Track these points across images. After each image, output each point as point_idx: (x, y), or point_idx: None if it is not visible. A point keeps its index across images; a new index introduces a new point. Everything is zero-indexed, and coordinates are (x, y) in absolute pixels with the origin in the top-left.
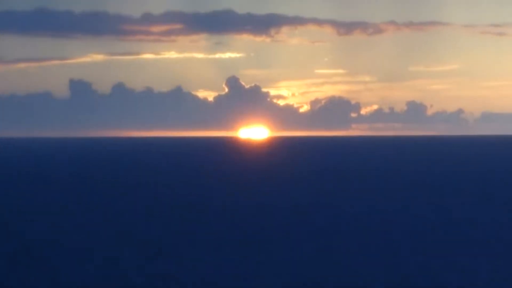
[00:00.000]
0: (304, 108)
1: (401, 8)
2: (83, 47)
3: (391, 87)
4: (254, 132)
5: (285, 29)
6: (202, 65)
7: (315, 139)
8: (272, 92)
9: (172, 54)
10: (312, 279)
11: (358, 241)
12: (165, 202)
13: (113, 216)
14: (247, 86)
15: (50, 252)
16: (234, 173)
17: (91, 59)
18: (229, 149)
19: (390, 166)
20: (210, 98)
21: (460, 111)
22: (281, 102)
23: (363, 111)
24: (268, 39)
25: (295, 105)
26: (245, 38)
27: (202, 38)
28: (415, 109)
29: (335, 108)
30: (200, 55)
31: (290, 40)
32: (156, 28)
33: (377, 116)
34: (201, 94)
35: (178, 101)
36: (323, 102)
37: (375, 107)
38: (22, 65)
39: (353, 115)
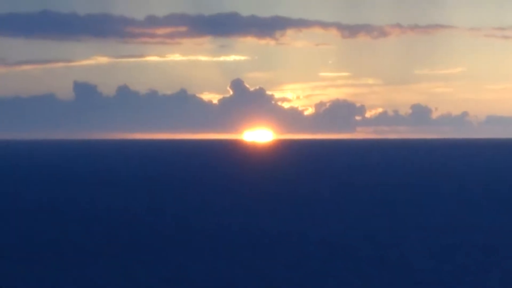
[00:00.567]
0: (309, 111)
1: (406, 11)
2: (88, 50)
3: (396, 90)
4: (259, 134)
5: (289, 32)
6: (206, 67)
7: (320, 142)
8: (277, 94)
9: (177, 57)
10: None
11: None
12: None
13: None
14: (251, 89)
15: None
16: (240, 175)
17: (95, 62)
18: (232, 151)
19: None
20: (215, 101)
21: (465, 114)
22: (285, 105)
23: (367, 114)
24: (272, 42)
25: (300, 108)
26: (250, 41)
27: (206, 41)
28: (420, 112)
29: (339, 111)
30: (204, 58)
31: (294, 42)
32: (160, 31)
33: (382, 119)
34: (206, 96)
35: (183, 103)
36: (327, 105)
37: (379, 110)
38: (27, 67)
39: (358, 118)
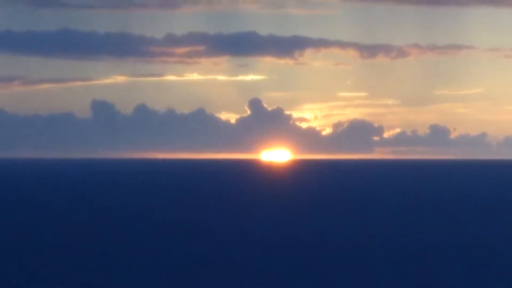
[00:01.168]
0: (327, 131)
1: (425, 31)
2: (107, 68)
3: (414, 110)
4: (276, 154)
5: (308, 52)
6: (224, 87)
7: (338, 162)
8: (295, 114)
9: (195, 76)
10: None
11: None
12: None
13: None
14: (269, 109)
15: None
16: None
17: (114, 80)
18: (250, 172)
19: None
20: (233, 120)
21: (483, 134)
22: (303, 125)
23: (385, 134)
24: (291, 62)
25: (318, 128)
26: (268, 61)
27: (225, 60)
28: (438, 133)
29: (357, 131)
30: (222, 77)
31: (313, 62)
32: (179, 50)
33: (400, 139)
34: (224, 116)
35: (201, 123)
36: (345, 125)
37: (397, 130)
38: (46, 86)
39: (376, 138)
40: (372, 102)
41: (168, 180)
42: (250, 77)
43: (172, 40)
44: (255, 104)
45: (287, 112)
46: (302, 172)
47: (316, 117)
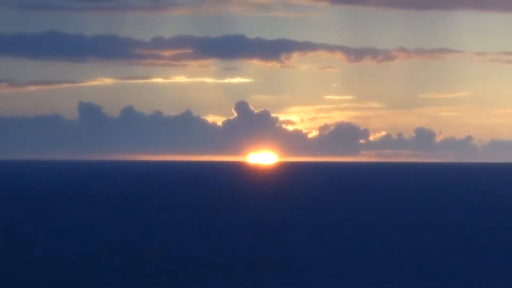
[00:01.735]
0: (313, 134)
1: (412, 35)
2: (94, 71)
3: (400, 114)
4: (263, 157)
5: (295, 55)
6: (211, 89)
7: (324, 165)
8: (281, 117)
9: (182, 79)
10: None
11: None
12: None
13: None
14: (256, 111)
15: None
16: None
17: (101, 83)
18: (237, 173)
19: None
20: (219, 123)
21: (468, 138)
22: (290, 128)
23: (371, 137)
24: (278, 65)
25: (304, 131)
26: (255, 64)
27: (212, 63)
28: (424, 136)
29: (344, 134)
30: (209, 80)
31: (300, 66)
32: (166, 52)
33: (386, 142)
34: (210, 118)
35: (187, 125)
36: (332, 128)
37: (383, 133)
38: (33, 88)
39: (362, 141)
40: (358, 105)
41: (154, 183)
42: (237, 80)
43: (160, 43)
44: (241, 107)
45: (273, 115)
46: (287, 175)
47: (302, 120)
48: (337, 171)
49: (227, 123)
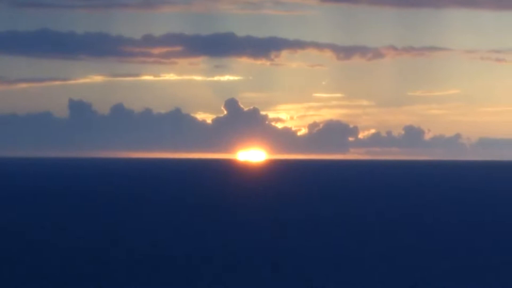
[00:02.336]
0: (302, 131)
1: (401, 33)
2: (84, 68)
3: (389, 111)
4: (252, 154)
5: (285, 53)
6: (201, 87)
7: (313, 162)
8: (271, 115)
9: (172, 76)
10: None
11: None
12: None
13: None
14: (245, 109)
15: None
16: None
17: (91, 80)
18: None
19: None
20: (209, 120)
21: (457, 136)
22: (279, 125)
23: (360, 135)
24: (267, 63)
25: (293, 128)
26: (245, 61)
27: (201, 61)
28: (413, 134)
29: (333, 132)
30: (199, 78)
31: (289, 63)
32: (156, 50)
33: (375, 140)
34: (200, 116)
35: (177, 122)
36: (321, 125)
37: (372, 131)
38: (24, 85)
39: (351, 139)
40: (347, 103)
41: (144, 179)
42: (226, 78)
43: (150, 41)
44: (231, 105)
45: (263, 113)
46: (276, 172)
47: (291, 118)
48: (326, 168)
49: (216, 121)
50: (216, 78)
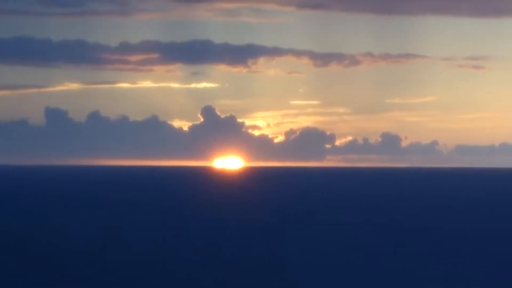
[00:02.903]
0: (279, 139)
1: (378, 40)
2: (61, 76)
3: (366, 118)
4: (229, 162)
5: (262, 60)
6: (177, 94)
7: (290, 170)
8: (248, 122)
9: (148, 84)
10: None
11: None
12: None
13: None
14: (222, 116)
15: None
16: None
17: (67, 88)
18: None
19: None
20: (186, 128)
21: (434, 143)
22: (256, 133)
23: (337, 142)
24: (244, 70)
25: (270, 136)
26: (222, 69)
27: (178, 68)
28: (390, 141)
29: (309, 139)
30: (176, 85)
31: (266, 71)
32: (133, 57)
33: (352, 147)
34: (177, 123)
35: (154, 130)
36: (297, 132)
37: (349, 138)
38: (1, 93)
39: (328, 146)
40: (324, 110)
41: (120, 188)
42: (203, 85)
43: (126, 48)
44: (208, 112)
45: (239, 120)
46: (253, 179)
47: (268, 125)
48: (303, 176)
49: (193, 128)
50: (192, 85)
